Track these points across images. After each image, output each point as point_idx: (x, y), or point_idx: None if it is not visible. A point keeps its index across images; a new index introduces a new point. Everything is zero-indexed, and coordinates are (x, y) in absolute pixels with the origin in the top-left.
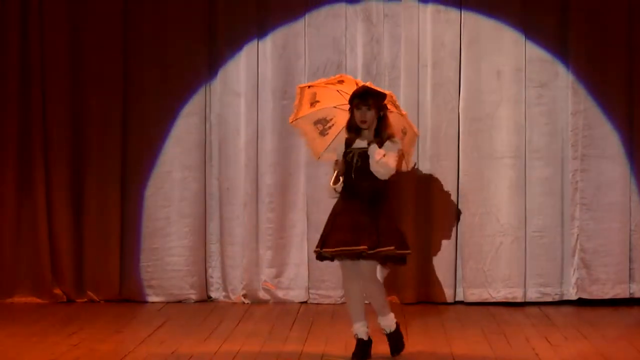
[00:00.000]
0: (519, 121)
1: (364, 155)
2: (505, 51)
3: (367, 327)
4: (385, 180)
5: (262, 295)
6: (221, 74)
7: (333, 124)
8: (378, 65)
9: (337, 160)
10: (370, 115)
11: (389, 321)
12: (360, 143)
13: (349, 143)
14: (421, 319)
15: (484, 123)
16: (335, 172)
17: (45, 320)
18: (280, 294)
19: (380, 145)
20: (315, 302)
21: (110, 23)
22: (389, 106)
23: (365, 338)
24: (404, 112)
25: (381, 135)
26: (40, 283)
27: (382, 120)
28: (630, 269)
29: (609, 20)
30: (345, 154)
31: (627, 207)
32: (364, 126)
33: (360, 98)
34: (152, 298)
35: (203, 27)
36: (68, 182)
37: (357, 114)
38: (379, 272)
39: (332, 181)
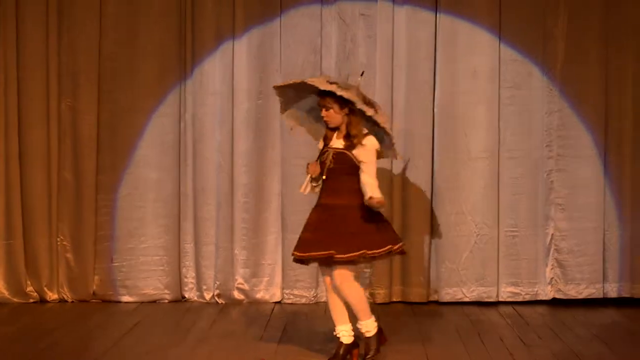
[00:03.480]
0: (493, 121)
1: (339, 155)
2: (480, 52)
3: (351, 331)
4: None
5: (237, 295)
6: (196, 73)
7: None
8: (353, 65)
9: (308, 164)
10: (331, 114)
11: (366, 326)
12: (336, 142)
13: (326, 141)
14: (395, 318)
15: (459, 123)
16: (308, 175)
17: (19, 320)
18: (255, 294)
19: (352, 149)
20: (290, 302)
21: (85, 23)
22: (359, 105)
23: (346, 342)
24: (376, 109)
25: (351, 139)
26: (14, 283)
27: (350, 121)
28: (604, 269)
29: (584, 22)
30: (321, 153)
31: (601, 207)
32: (329, 125)
33: (319, 97)
34: (126, 298)
35: (177, 27)
36: (43, 180)
37: (324, 114)
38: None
39: (302, 186)
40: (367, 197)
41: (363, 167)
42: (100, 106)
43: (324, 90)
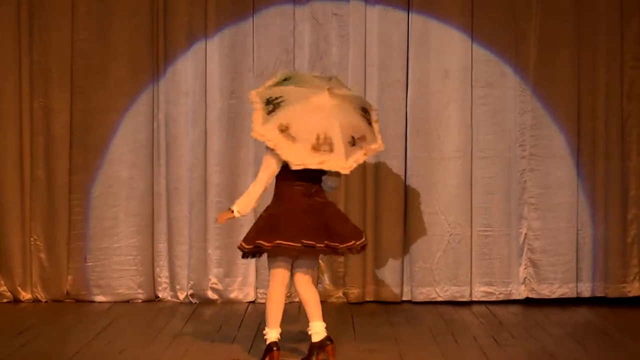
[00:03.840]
0: (466, 121)
1: None
2: (452, 52)
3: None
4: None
5: (210, 294)
6: (169, 73)
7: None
8: (326, 65)
9: None
10: None
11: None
12: None
13: None
14: (369, 318)
15: (432, 123)
16: None
17: None
18: (229, 293)
19: None
20: (263, 301)
21: (57, 22)
22: None
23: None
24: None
25: None
26: None
27: None
28: (577, 268)
29: (557, 22)
30: None
31: (574, 207)
32: None
33: None
34: (99, 298)
35: (150, 27)
36: (15, 180)
37: None
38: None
39: None
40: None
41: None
42: (72, 105)
43: None
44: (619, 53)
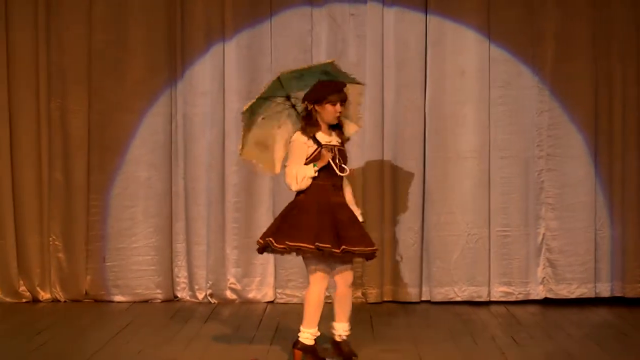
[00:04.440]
0: (483, 121)
1: (342, 152)
2: (469, 51)
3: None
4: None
5: (229, 295)
6: (187, 74)
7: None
8: (343, 65)
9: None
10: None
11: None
12: (325, 137)
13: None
14: (387, 318)
15: (449, 123)
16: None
17: (11, 320)
18: (247, 293)
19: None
20: (282, 301)
21: (74, 23)
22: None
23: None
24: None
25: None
26: (6, 282)
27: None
28: (595, 268)
29: (574, 22)
30: (318, 150)
31: (592, 206)
32: (336, 121)
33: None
34: (118, 298)
35: (167, 28)
36: (34, 180)
37: (333, 109)
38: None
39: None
40: (354, 206)
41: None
42: (90, 106)
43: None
44: (636, 52)
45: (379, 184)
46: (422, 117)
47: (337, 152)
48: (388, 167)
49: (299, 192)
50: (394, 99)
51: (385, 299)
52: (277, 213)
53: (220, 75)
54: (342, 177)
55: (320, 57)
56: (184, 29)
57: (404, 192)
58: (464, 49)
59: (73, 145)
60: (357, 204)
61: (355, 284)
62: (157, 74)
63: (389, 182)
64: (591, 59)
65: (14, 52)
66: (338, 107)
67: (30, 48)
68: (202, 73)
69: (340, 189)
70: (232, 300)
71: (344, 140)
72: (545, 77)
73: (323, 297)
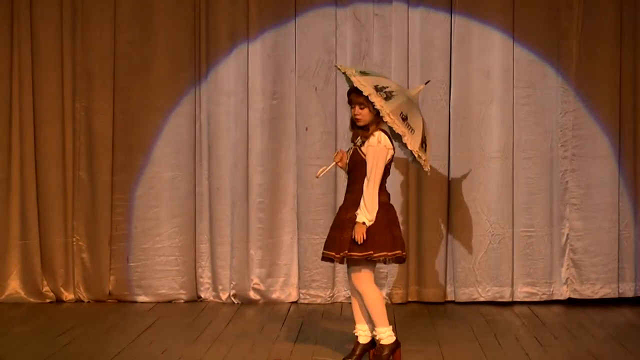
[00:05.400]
0: (508, 121)
1: (354, 153)
2: (493, 52)
3: (368, 331)
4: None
5: (252, 295)
6: (211, 75)
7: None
8: (368, 65)
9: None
10: (365, 113)
11: (378, 334)
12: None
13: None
14: (411, 318)
15: (474, 123)
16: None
17: (35, 320)
18: (271, 294)
19: (362, 143)
20: (306, 302)
21: (99, 23)
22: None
23: (362, 341)
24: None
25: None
26: (30, 282)
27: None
28: (619, 268)
29: (599, 22)
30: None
31: (616, 207)
32: (358, 123)
33: (354, 94)
34: (141, 298)
35: (192, 28)
36: (58, 180)
37: (352, 112)
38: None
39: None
40: (357, 218)
41: (367, 169)
42: (114, 106)
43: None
44: None
45: (404, 184)
46: (447, 117)
47: (351, 153)
48: (413, 167)
49: None
50: (419, 99)
51: (410, 300)
52: (301, 213)
53: (245, 76)
54: (349, 177)
55: (345, 57)
56: (209, 29)
57: (428, 192)
58: (489, 49)
59: (97, 145)
60: None
61: (380, 285)
62: (181, 74)
63: (414, 182)
64: (616, 59)
65: (39, 53)
66: (357, 109)
67: (55, 49)
68: (226, 73)
69: (349, 191)
70: (256, 301)
71: (363, 141)
72: (570, 78)
73: (381, 293)
